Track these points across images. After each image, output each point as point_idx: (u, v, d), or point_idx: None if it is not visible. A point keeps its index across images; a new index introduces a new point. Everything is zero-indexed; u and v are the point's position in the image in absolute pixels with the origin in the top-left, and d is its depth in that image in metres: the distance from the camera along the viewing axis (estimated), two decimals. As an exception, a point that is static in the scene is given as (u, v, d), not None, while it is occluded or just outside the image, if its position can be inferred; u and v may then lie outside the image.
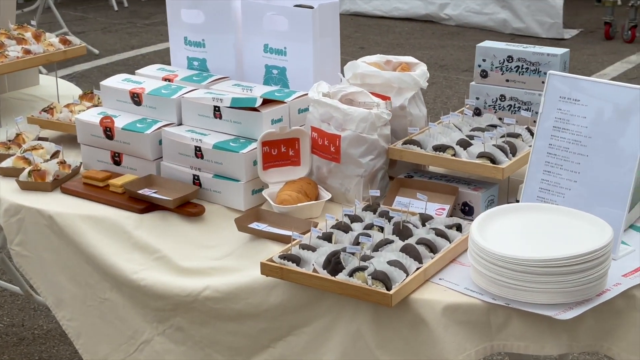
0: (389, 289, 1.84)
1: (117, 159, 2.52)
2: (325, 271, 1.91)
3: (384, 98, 2.37)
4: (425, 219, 2.12)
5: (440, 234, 2.04)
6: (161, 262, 2.22)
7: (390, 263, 1.89)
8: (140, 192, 2.36)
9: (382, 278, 1.85)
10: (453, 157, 2.23)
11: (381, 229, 2.06)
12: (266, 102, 2.36)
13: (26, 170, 2.49)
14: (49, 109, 2.86)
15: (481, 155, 2.20)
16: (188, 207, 2.31)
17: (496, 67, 2.50)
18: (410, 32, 8.60)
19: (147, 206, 2.34)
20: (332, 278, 1.89)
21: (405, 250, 1.95)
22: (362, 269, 1.88)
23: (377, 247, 1.99)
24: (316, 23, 2.50)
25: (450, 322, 1.86)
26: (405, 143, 2.31)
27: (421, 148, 2.28)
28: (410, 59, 2.54)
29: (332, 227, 2.08)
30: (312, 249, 2.00)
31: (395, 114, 2.37)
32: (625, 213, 1.99)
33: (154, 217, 2.32)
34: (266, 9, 2.58)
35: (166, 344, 2.23)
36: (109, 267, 2.26)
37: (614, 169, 2.00)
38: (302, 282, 1.94)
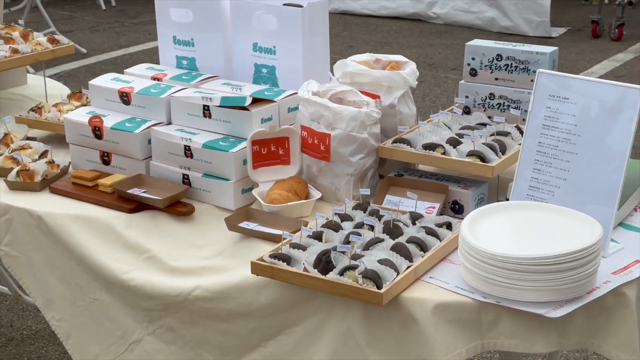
0: (379, 287, 1.84)
1: (106, 158, 2.51)
2: (315, 270, 1.91)
3: (374, 97, 2.37)
4: (415, 217, 2.12)
5: (430, 232, 2.04)
6: (151, 262, 2.21)
7: (380, 262, 1.90)
8: (129, 191, 2.35)
9: (373, 277, 1.85)
10: (443, 156, 2.23)
11: (371, 228, 2.06)
12: (256, 101, 2.36)
13: (14, 170, 2.48)
14: (37, 109, 2.85)
15: (471, 154, 2.21)
16: (178, 207, 2.31)
17: (485, 66, 2.50)
18: (399, 30, 8.61)
19: (137, 206, 2.33)
20: (323, 277, 1.89)
21: (396, 249, 1.95)
22: (352, 267, 1.88)
23: (368, 246, 1.99)
24: (305, 22, 2.50)
25: (440, 321, 1.86)
26: (395, 142, 2.31)
27: (411, 147, 2.28)
28: (399, 57, 2.55)
29: (323, 226, 2.08)
30: (303, 248, 2.00)
31: (385, 113, 2.37)
32: (615, 211, 1.99)
33: (143, 216, 2.32)
34: (255, 8, 2.57)
35: (156, 344, 2.22)
36: (99, 267, 2.25)
37: (603, 167, 2.01)
38: (292, 281, 1.94)
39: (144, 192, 2.35)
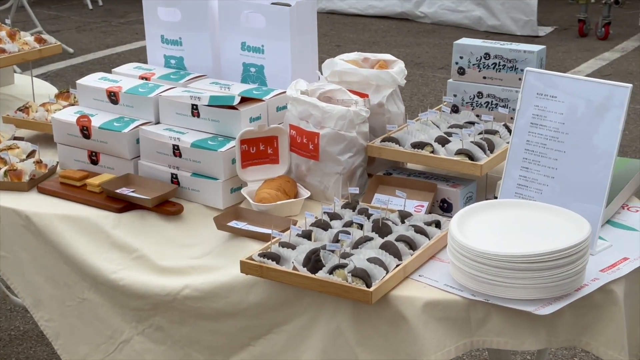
0: (368, 286, 1.84)
1: (94, 158, 2.50)
2: (305, 269, 1.91)
3: (362, 95, 2.37)
4: (404, 216, 2.12)
5: (419, 230, 2.04)
6: (140, 262, 2.21)
7: (370, 260, 1.90)
8: (118, 191, 2.35)
9: (362, 275, 1.85)
10: (431, 154, 2.24)
11: (360, 227, 2.06)
12: (244, 100, 2.36)
13: (2, 170, 2.47)
14: (25, 108, 2.84)
15: (459, 152, 2.21)
16: (166, 206, 2.31)
17: (473, 65, 2.51)
18: (386, 30, 8.62)
19: (125, 205, 2.33)
20: (312, 276, 1.89)
21: (385, 247, 1.95)
22: (342, 266, 1.88)
23: (357, 245, 1.99)
24: (294, 21, 2.50)
25: (430, 319, 1.86)
26: (383, 140, 2.31)
27: (399, 145, 2.29)
28: (387, 56, 2.55)
29: (312, 224, 2.08)
30: (292, 247, 2.00)
31: (374, 112, 2.37)
32: (602, 209, 2.00)
33: (132, 216, 2.31)
34: (243, 7, 2.57)
35: (145, 344, 2.22)
36: (87, 267, 2.25)
37: (591, 165, 2.02)
38: (282, 280, 1.94)
39: (132, 191, 2.35)
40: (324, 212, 2.14)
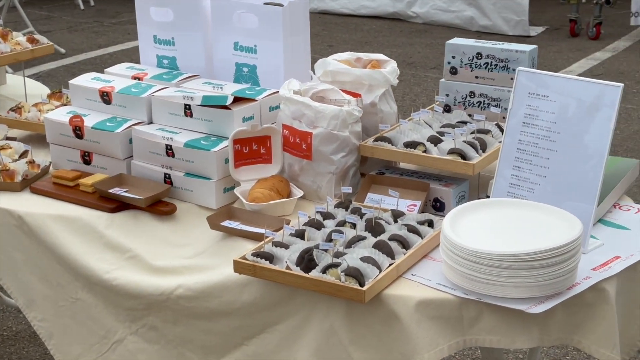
0: (362, 285, 1.85)
1: (87, 158, 2.50)
2: (298, 268, 1.91)
3: (355, 95, 2.38)
4: (397, 215, 2.13)
5: (412, 230, 2.05)
6: (133, 262, 2.21)
7: (363, 259, 1.90)
8: (111, 191, 2.35)
9: (355, 274, 1.86)
10: (424, 154, 2.24)
11: (353, 226, 2.07)
12: (237, 100, 2.36)
13: (-5, 170, 2.47)
14: (17, 109, 2.84)
15: (452, 152, 2.22)
16: (159, 206, 2.31)
17: (465, 64, 2.52)
18: (378, 30, 8.62)
19: (118, 205, 2.33)
20: (306, 275, 1.89)
21: (378, 246, 1.96)
22: (335, 265, 1.89)
23: (350, 244, 1.99)
24: (286, 21, 2.51)
25: (422, 318, 1.87)
26: (376, 140, 2.32)
27: (392, 145, 2.29)
28: (380, 56, 2.56)
29: (305, 224, 2.09)
30: (285, 246, 2.00)
31: (366, 111, 2.38)
32: (594, 207, 2.01)
33: (125, 216, 2.32)
34: (236, 7, 2.57)
35: (139, 343, 2.22)
36: (81, 267, 2.25)
37: (582, 164, 2.03)
38: (275, 279, 1.94)
39: (125, 191, 2.35)
40: (317, 212, 2.15)
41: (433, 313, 1.87)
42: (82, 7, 9.66)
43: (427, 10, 8.75)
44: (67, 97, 2.88)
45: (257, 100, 2.39)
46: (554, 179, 2.06)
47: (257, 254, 1.97)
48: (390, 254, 1.94)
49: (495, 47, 2.48)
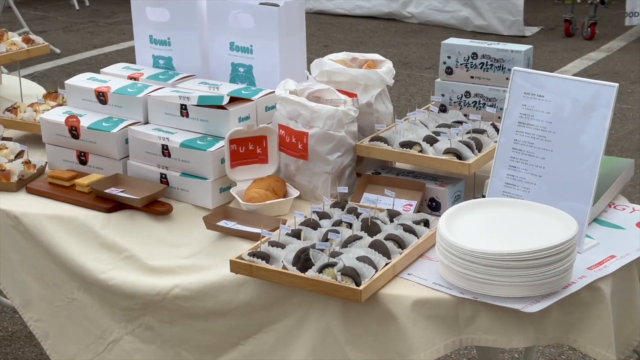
0: (358, 284, 1.85)
1: (83, 158, 2.50)
2: (294, 268, 1.92)
3: (351, 95, 2.38)
4: (393, 215, 2.13)
5: (408, 229, 2.05)
6: (129, 262, 2.21)
7: (359, 259, 1.91)
8: (107, 191, 2.35)
9: (352, 274, 1.86)
10: (420, 154, 2.25)
11: (350, 226, 2.07)
12: (233, 100, 2.36)
13: (-10, 171, 2.46)
14: (13, 109, 2.83)
15: (447, 151, 2.23)
16: (156, 206, 2.31)
17: (461, 64, 2.52)
18: (374, 30, 8.63)
19: (114, 205, 2.33)
20: (302, 275, 1.90)
21: (374, 246, 1.96)
22: (331, 265, 1.89)
23: (346, 244, 2.00)
24: (282, 21, 2.51)
25: (419, 317, 1.87)
26: (372, 140, 2.32)
27: (388, 145, 2.30)
28: (376, 56, 2.56)
29: (301, 224, 2.09)
30: (281, 246, 2.00)
31: (362, 111, 2.38)
32: (589, 207, 2.02)
33: (121, 216, 2.32)
34: (232, 7, 2.58)
35: (135, 343, 2.22)
36: (77, 267, 2.25)
37: (578, 164, 2.03)
38: (271, 279, 1.95)
39: (121, 191, 2.35)
40: (313, 212, 2.15)
41: (429, 312, 1.88)
42: (77, 7, 9.65)
43: (422, 10, 8.76)
44: (63, 97, 2.88)
45: (253, 100, 2.39)
46: (550, 179, 2.06)
47: (254, 254, 1.97)
48: (387, 254, 1.95)
49: (491, 47, 2.49)
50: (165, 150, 2.34)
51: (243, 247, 2.06)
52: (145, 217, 2.30)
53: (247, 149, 2.32)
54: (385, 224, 2.10)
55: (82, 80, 2.60)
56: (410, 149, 2.26)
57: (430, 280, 1.93)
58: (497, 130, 2.32)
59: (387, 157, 2.31)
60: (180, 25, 2.67)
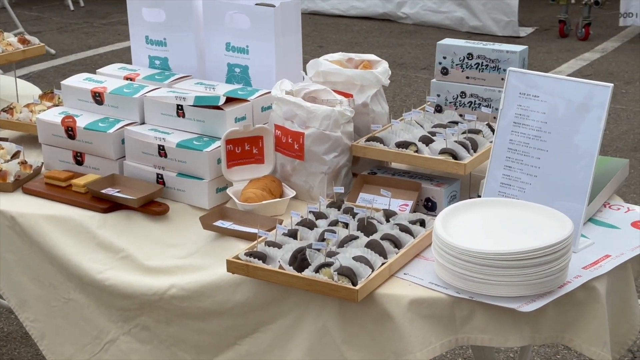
0: (354, 284, 1.86)
1: (79, 158, 2.50)
2: (291, 268, 1.92)
3: (347, 95, 2.39)
4: (389, 214, 2.14)
5: (404, 229, 2.06)
6: (126, 262, 2.21)
7: (355, 259, 1.91)
8: (103, 191, 2.35)
9: (348, 274, 1.87)
10: (416, 154, 2.25)
11: (346, 225, 2.08)
12: (229, 100, 2.37)
13: (-13, 171, 2.46)
14: (9, 109, 2.83)
15: (443, 152, 2.23)
16: (152, 206, 2.31)
17: (456, 65, 2.53)
18: (369, 30, 8.64)
19: (111, 206, 2.33)
20: (299, 274, 1.90)
21: (370, 245, 1.97)
22: (327, 265, 1.90)
23: (342, 243, 2.00)
24: (278, 21, 2.51)
25: (415, 317, 1.88)
26: (368, 140, 2.33)
27: (384, 145, 2.30)
28: (371, 56, 2.57)
29: (297, 224, 2.10)
30: (278, 246, 2.01)
31: (358, 112, 2.39)
32: (585, 207, 2.03)
33: (117, 216, 2.32)
34: (228, 8, 2.58)
35: (132, 343, 2.22)
36: (73, 267, 2.25)
37: (573, 164, 2.04)
38: (268, 279, 1.95)
39: (118, 192, 2.35)
40: (310, 212, 2.16)
41: (425, 312, 1.88)
42: (72, 7, 9.64)
43: (417, 11, 8.77)
44: (59, 98, 2.88)
45: (249, 101, 2.39)
46: (545, 179, 2.07)
47: (250, 254, 1.97)
48: (383, 254, 1.95)
49: (486, 47, 2.49)
50: (162, 151, 2.34)
51: (239, 247, 2.07)
52: (141, 218, 2.31)
53: (243, 149, 2.32)
54: (381, 223, 2.10)
55: (78, 81, 2.60)
56: (406, 149, 2.26)
57: (426, 279, 1.94)
58: (493, 130, 2.33)
59: (383, 157, 2.31)
60: (176, 26, 2.68)
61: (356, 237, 2.01)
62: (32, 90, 3.27)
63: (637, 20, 7.94)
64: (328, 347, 1.96)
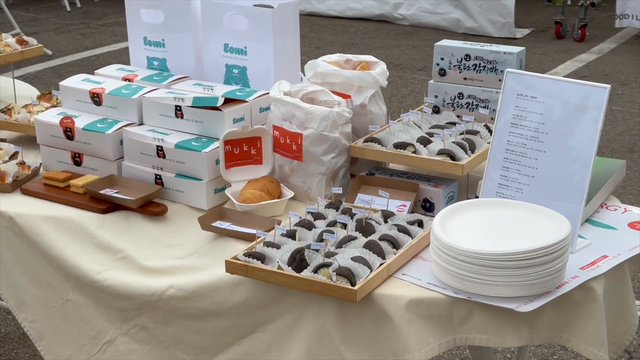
0: (353, 284, 1.86)
1: (77, 159, 2.51)
2: (290, 268, 1.93)
3: (345, 96, 2.39)
4: (387, 215, 2.14)
5: (402, 230, 2.06)
6: (124, 262, 2.22)
7: (354, 259, 1.92)
8: (101, 192, 2.35)
9: (347, 274, 1.87)
10: (413, 155, 2.26)
11: (344, 226, 2.08)
12: (228, 101, 2.37)
13: (-15, 172, 2.47)
14: (7, 110, 2.84)
15: (441, 152, 2.24)
16: (150, 207, 2.31)
17: (454, 66, 2.54)
18: (365, 31, 8.65)
19: (109, 206, 2.33)
20: (297, 275, 1.91)
21: (369, 246, 1.97)
22: (326, 265, 1.90)
23: (341, 244, 2.01)
24: (276, 22, 2.52)
25: (413, 317, 1.89)
26: (366, 141, 2.33)
27: (382, 146, 2.31)
28: (369, 57, 2.57)
29: (296, 224, 2.10)
30: (277, 246, 2.01)
31: (356, 112, 2.39)
32: (582, 208, 2.03)
33: (116, 217, 2.32)
34: (226, 9, 2.58)
35: (130, 344, 2.23)
36: (72, 267, 2.25)
37: (570, 165, 2.05)
38: (267, 279, 1.95)
39: (116, 192, 2.35)
40: (308, 212, 2.16)
41: (423, 312, 1.89)
42: (68, 8, 9.64)
43: (413, 12, 8.78)
44: (57, 99, 2.89)
45: (247, 102, 2.40)
46: (542, 180, 2.08)
47: (249, 254, 1.98)
48: (381, 254, 1.96)
49: (484, 48, 2.50)
50: (160, 151, 2.35)
51: (238, 248, 2.07)
52: (140, 218, 2.31)
53: (241, 150, 2.33)
54: (379, 224, 2.11)
55: (77, 82, 2.60)
56: (404, 150, 2.27)
57: (424, 280, 1.95)
58: (490, 131, 2.34)
59: (381, 158, 2.32)
60: (175, 27, 2.68)
61: (354, 238, 2.02)
62: (29, 91, 3.27)
63: (633, 21, 7.96)
64: (327, 347, 1.97)
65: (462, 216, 2.00)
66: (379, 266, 1.93)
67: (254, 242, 2.03)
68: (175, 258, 2.19)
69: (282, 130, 2.31)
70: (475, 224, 1.99)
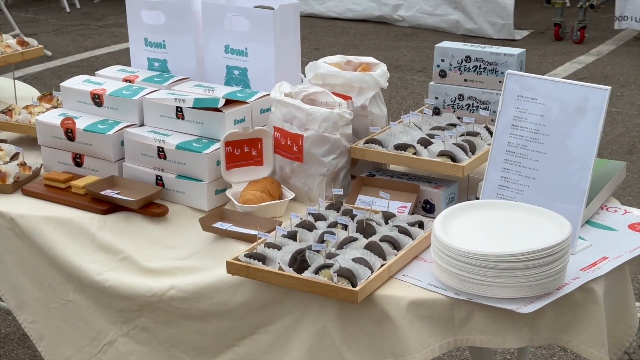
0: (354, 285, 1.87)
1: (78, 160, 2.51)
2: (291, 269, 1.93)
3: (346, 98, 2.40)
4: (387, 216, 2.15)
5: (403, 231, 2.07)
6: (125, 263, 2.22)
7: (355, 260, 1.92)
8: (102, 193, 2.35)
9: (348, 275, 1.87)
10: (414, 156, 2.26)
11: (345, 227, 2.08)
12: (228, 102, 2.38)
13: (-14, 173, 2.47)
14: (8, 111, 2.84)
15: (441, 154, 2.24)
16: (151, 208, 2.32)
17: (454, 67, 2.54)
18: (365, 33, 8.65)
19: (110, 207, 2.34)
20: (298, 276, 1.91)
21: (369, 247, 1.97)
22: (327, 266, 1.90)
23: (342, 245, 2.01)
24: (277, 24, 2.52)
25: (414, 318, 1.89)
26: (366, 142, 2.34)
27: (383, 147, 2.31)
28: (370, 59, 2.58)
29: (297, 225, 2.10)
30: (278, 247, 2.02)
31: (357, 114, 2.40)
32: (582, 209, 2.04)
33: (117, 218, 2.32)
34: (227, 10, 2.59)
35: (130, 345, 2.23)
36: (73, 268, 2.25)
37: (570, 166, 2.05)
38: (268, 280, 1.96)
39: (117, 193, 2.36)
40: (309, 213, 2.17)
41: (424, 313, 1.89)
42: (68, 9, 9.64)
43: (412, 13, 8.79)
44: (58, 100, 2.89)
45: (248, 103, 2.40)
46: (543, 181, 2.08)
47: (250, 255, 1.98)
48: (382, 255, 1.96)
49: (484, 50, 2.51)
50: (161, 152, 2.35)
51: (239, 249, 2.07)
52: (141, 219, 2.31)
53: (242, 151, 2.33)
54: (380, 225, 2.11)
55: (78, 83, 2.61)
56: (405, 151, 2.27)
57: (425, 281, 1.95)
58: (490, 132, 2.34)
59: (382, 160, 2.32)
60: (175, 28, 2.69)
61: (355, 239, 2.02)
62: (30, 92, 3.28)
63: (632, 23, 7.97)
64: (327, 348, 1.97)
65: (462, 217, 2.00)
66: (380, 267, 1.93)
67: (255, 243, 2.03)
68: (176, 259, 2.19)
69: (283, 131, 2.31)
70: (475, 225, 1.99)
